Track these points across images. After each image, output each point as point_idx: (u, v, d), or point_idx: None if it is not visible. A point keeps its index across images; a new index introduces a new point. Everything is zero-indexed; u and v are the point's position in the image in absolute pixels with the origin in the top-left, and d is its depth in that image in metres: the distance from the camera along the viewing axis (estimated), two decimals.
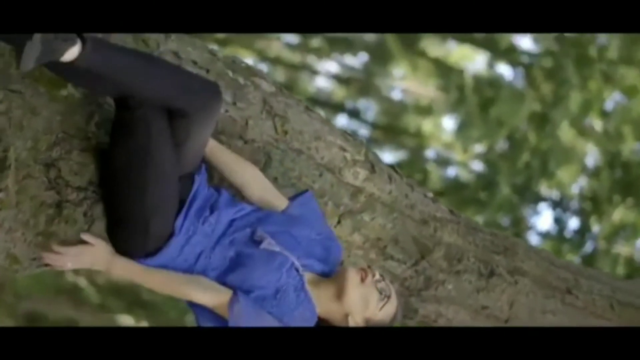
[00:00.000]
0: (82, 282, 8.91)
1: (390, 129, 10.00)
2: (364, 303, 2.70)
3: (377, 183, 3.41)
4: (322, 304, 2.74)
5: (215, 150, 2.90)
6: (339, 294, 2.71)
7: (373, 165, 3.40)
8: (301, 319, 2.69)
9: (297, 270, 2.76)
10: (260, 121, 3.15)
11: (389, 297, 2.73)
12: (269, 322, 2.62)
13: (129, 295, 9.19)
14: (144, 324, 9.36)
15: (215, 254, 2.72)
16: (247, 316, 2.60)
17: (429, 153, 10.10)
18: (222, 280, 2.69)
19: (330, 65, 9.80)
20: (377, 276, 2.73)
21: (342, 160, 3.32)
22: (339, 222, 3.29)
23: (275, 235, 2.75)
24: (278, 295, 2.67)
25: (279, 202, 2.93)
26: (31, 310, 8.69)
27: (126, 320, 9.32)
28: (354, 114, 9.86)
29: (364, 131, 9.73)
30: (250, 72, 3.24)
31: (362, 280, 2.70)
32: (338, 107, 9.76)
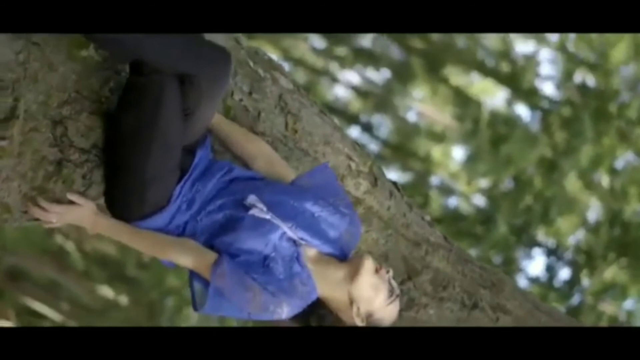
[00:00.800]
0: (70, 246, 8.90)
1: (400, 149, 10.00)
2: (374, 293, 2.67)
3: (378, 197, 3.41)
4: (328, 284, 2.70)
5: (222, 122, 2.90)
6: (351, 278, 2.67)
7: (376, 179, 3.40)
8: (294, 291, 2.65)
9: (294, 242, 2.73)
10: (273, 115, 3.14)
11: (397, 296, 2.71)
12: (251, 287, 2.59)
13: (114, 268, 9.18)
14: (123, 298, 9.35)
15: (204, 218, 2.71)
16: (229, 279, 2.58)
17: (434, 179, 10.08)
18: (209, 243, 2.68)
19: (352, 76, 9.81)
20: (391, 274, 2.72)
21: (346, 169, 3.32)
22: None
23: (272, 204, 2.72)
24: (266, 263, 2.64)
25: (287, 173, 2.90)
26: (15, 265, 8.68)
27: (106, 292, 9.30)
28: (367, 128, 9.86)
29: (373, 146, 9.73)
30: (271, 65, 3.23)
31: (377, 271, 2.69)
32: (352, 119, 9.76)
